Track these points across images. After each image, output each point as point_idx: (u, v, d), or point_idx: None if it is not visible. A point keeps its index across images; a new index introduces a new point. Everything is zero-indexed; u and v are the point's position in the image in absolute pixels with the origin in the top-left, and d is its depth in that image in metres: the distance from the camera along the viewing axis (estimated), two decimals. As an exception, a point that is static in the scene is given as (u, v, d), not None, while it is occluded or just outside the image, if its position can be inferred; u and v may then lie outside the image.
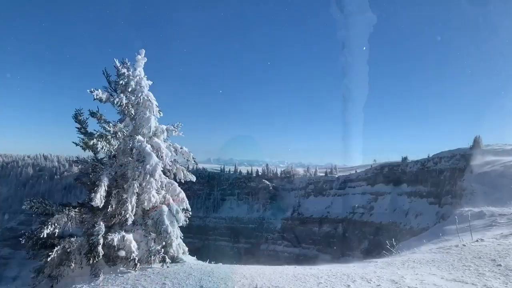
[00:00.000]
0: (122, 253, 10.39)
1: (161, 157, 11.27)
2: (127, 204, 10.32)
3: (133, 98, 11.45)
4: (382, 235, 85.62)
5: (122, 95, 11.12)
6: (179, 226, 11.79)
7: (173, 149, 12.31)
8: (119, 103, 10.95)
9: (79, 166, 11.44)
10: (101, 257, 10.01)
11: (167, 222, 10.89)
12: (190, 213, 12.35)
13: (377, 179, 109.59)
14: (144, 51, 11.96)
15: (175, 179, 12.25)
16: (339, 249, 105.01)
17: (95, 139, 10.37)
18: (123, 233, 10.32)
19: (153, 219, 10.99)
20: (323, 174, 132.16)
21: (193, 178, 12.65)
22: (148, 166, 10.72)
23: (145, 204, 10.78)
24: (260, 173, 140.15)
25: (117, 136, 10.85)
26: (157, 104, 11.93)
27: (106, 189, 10.32)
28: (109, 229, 10.47)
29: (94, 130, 10.90)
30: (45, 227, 9.52)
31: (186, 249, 12.26)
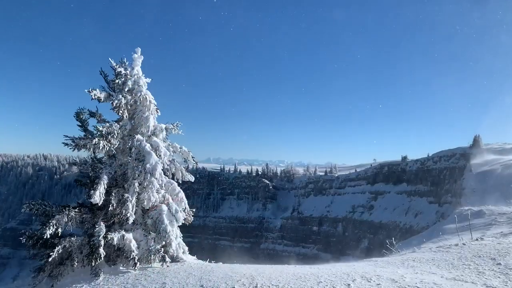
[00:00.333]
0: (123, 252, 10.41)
1: (160, 156, 11.27)
2: (128, 203, 10.32)
3: (130, 97, 11.42)
4: (382, 234, 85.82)
5: (119, 95, 11.08)
6: (179, 225, 11.80)
7: (172, 149, 12.30)
8: (117, 103, 10.92)
9: (79, 167, 11.41)
10: (102, 258, 10.01)
11: (166, 221, 10.89)
12: (193, 210, 12.35)
13: (377, 178, 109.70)
14: (140, 49, 11.89)
15: (173, 179, 12.24)
16: (339, 248, 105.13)
17: (87, 139, 10.36)
18: (123, 232, 10.32)
19: (153, 219, 10.98)
20: (323, 173, 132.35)
21: (192, 178, 12.63)
22: (148, 165, 10.73)
23: (145, 203, 10.78)
24: (260, 173, 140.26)
25: (115, 135, 10.83)
26: (156, 103, 11.91)
27: (106, 187, 10.32)
28: (108, 228, 10.47)
29: (92, 129, 10.90)
30: (47, 228, 9.52)
31: (186, 248, 12.27)
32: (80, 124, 10.98)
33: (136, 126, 11.47)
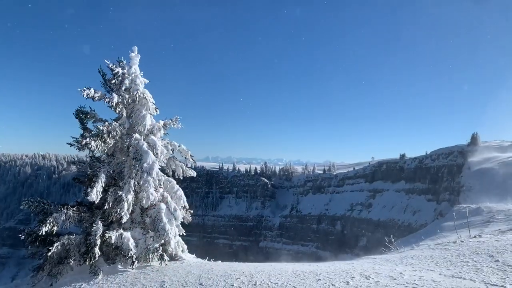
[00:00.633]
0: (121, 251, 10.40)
1: (157, 154, 11.26)
2: (123, 202, 10.30)
3: (128, 96, 11.39)
4: (380, 232, 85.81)
5: (114, 94, 11.04)
6: (178, 224, 11.80)
7: (171, 147, 12.29)
8: (111, 102, 10.89)
9: (77, 166, 11.40)
10: (97, 258, 10.01)
11: (165, 220, 10.89)
12: (191, 211, 12.34)
13: (375, 176, 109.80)
14: (137, 47, 11.84)
15: (173, 176, 12.24)
16: (338, 246, 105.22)
17: (88, 139, 10.34)
18: (121, 231, 10.32)
19: (151, 217, 10.98)
20: (321, 172, 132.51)
21: (194, 174, 12.63)
22: (145, 165, 10.71)
23: (143, 202, 10.77)
24: (258, 171, 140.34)
25: (112, 134, 10.81)
26: (154, 102, 11.88)
27: (103, 186, 10.31)
28: (107, 227, 10.47)
29: (91, 128, 10.89)
30: (43, 225, 9.52)
31: (185, 246, 12.27)
32: (80, 123, 10.96)
33: (134, 125, 11.45)
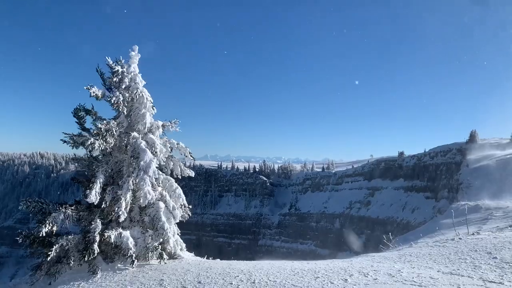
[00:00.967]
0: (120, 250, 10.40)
1: (155, 153, 11.25)
2: (121, 201, 10.29)
3: (127, 95, 11.37)
4: (379, 230, 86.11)
5: (117, 92, 11.05)
6: (176, 222, 11.80)
7: (169, 145, 12.28)
8: (115, 100, 10.89)
9: (76, 165, 11.38)
10: (96, 254, 10.00)
11: (163, 218, 10.89)
12: (190, 207, 12.32)
13: (374, 174, 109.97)
14: (137, 47, 11.83)
15: (172, 175, 12.22)
16: (337, 244, 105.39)
17: (92, 138, 10.33)
18: (120, 230, 10.32)
19: (150, 216, 10.98)
20: (320, 170, 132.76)
21: (192, 173, 12.61)
22: (142, 163, 10.69)
23: (141, 201, 10.75)
24: (257, 169, 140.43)
25: (111, 133, 10.80)
26: (152, 100, 11.87)
27: (102, 185, 10.30)
28: (106, 226, 10.47)
29: (91, 127, 10.88)
30: (43, 226, 9.50)
31: (184, 245, 12.27)
32: (78, 122, 10.93)
33: (132, 124, 11.44)
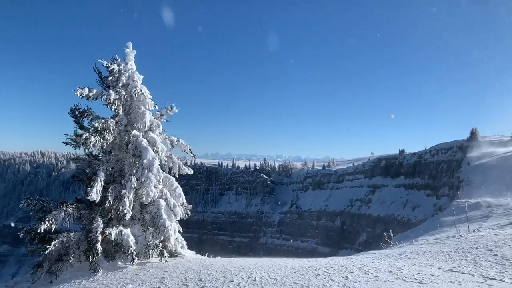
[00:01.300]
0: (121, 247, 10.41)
1: (157, 151, 11.26)
2: (125, 200, 10.31)
3: (125, 92, 11.33)
4: (379, 228, 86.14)
5: (111, 91, 10.97)
6: (177, 220, 11.82)
7: (169, 142, 12.28)
8: (108, 99, 10.85)
9: (77, 164, 11.37)
10: (99, 254, 10.02)
11: (164, 216, 10.90)
12: (191, 206, 12.32)
13: (375, 172, 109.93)
14: (131, 43, 11.74)
15: (170, 174, 12.22)
16: (337, 242, 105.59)
17: (87, 134, 10.32)
18: (121, 227, 10.32)
19: (151, 214, 10.99)
20: (321, 168, 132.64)
21: (190, 171, 12.60)
22: (145, 161, 10.71)
23: (143, 198, 10.77)
24: (258, 168, 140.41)
25: (110, 131, 10.79)
26: (151, 97, 11.84)
27: (103, 184, 10.30)
28: (106, 224, 10.48)
29: (87, 126, 10.85)
30: (43, 223, 9.52)
31: (185, 243, 12.29)
32: (76, 121, 10.91)
33: (132, 122, 11.42)
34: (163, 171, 11.84)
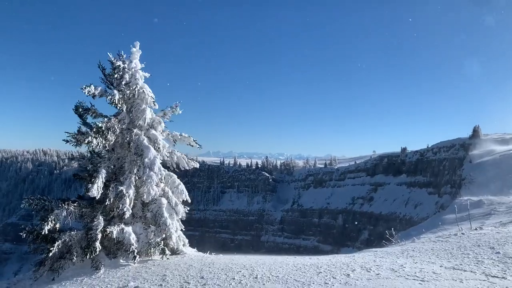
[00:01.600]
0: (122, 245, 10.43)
1: (158, 148, 11.26)
2: (125, 198, 10.31)
3: (128, 91, 11.35)
4: (381, 226, 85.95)
5: (115, 90, 11.02)
6: (179, 219, 11.81)
7: (172, 138, 12.28)
8: (113, 99, 10.87)
9: (78, 162, 11.38)
10: (98, 252, 10.03)
11: (166, 214, 10.90)
12: (188, 208, 12.28)
13: (377, 170, 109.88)
14: (139, 43, 11.84)
15: (179, 169, 12.22)
16: (339, 240, 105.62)
17: (89, 137, 10.33)
18: (122, 225, 10.33)
19: (152, 212, 10.99)
20: (323, 166, 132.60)
21: (196, 165, 12.58)
22: (146, 160, 10.70)
23: (144, 197, 10.77)
24: (259, 166, 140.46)
25: (113, 130, 10.79)
26: (153, 96, 11.84)
27: (104, 181, 10.31)
28: (108, 222, 10.49)
29: (91, 123, 10.86)
30: (46, 223, 9.53)
31: (187, 241, 12.29)
32: (80, 119, 10.93)
33: (134, 120, 11.42)
34: (166, 168, 11.84)
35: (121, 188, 10.46)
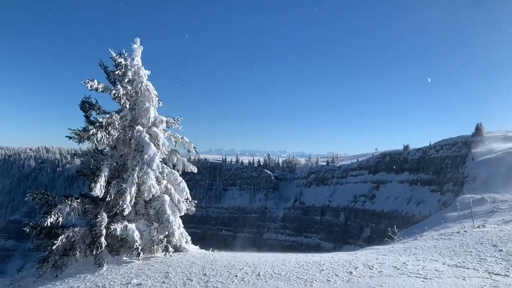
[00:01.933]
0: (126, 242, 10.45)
1: (158, 146, 11.27)
2: (126, 194, 10.32)
3: (131, 88, 11.35)
4: (384, 223, 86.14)
5: (119, 86, 11.02)
6: (181, 216, 11.83)
7: (174, 139, 12.28)
8: (116, 94, 10.87)
9: (81, 159, 11.39)
10: (103, 248, 10.06)
11: (168, 211, 10.92)
12: (195, 202, 12.33)
13: (379, 168, 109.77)
14: (139, 39, 11.78)
15: (174, 170, 12.22)
16: (341, 237, 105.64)
17: (94, 129, 10.35)
18: (125, 222, 10.36)
19: (155, 209, 11.01)
20: (325, 163, 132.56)
21: (195, 169, 12.60)
22: (146, 156, 10.71)
23: (145, 194, 10.76)
24: (261, 163, 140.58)
25: (115, 126, 10.80)
26: (157, 94, 11.85)
27: (107, 179, 10.33)
28: (112, 219, 10.52)
29: (94, 120, 10.87)
30: (49, 216, 9.56)
31: (189, 238, 12.32)
32: (84, 114, 10.93)
33: (137, 117, 11.43)
34: (167, 166, 11.85)
35: (123, 185, 10.48)
